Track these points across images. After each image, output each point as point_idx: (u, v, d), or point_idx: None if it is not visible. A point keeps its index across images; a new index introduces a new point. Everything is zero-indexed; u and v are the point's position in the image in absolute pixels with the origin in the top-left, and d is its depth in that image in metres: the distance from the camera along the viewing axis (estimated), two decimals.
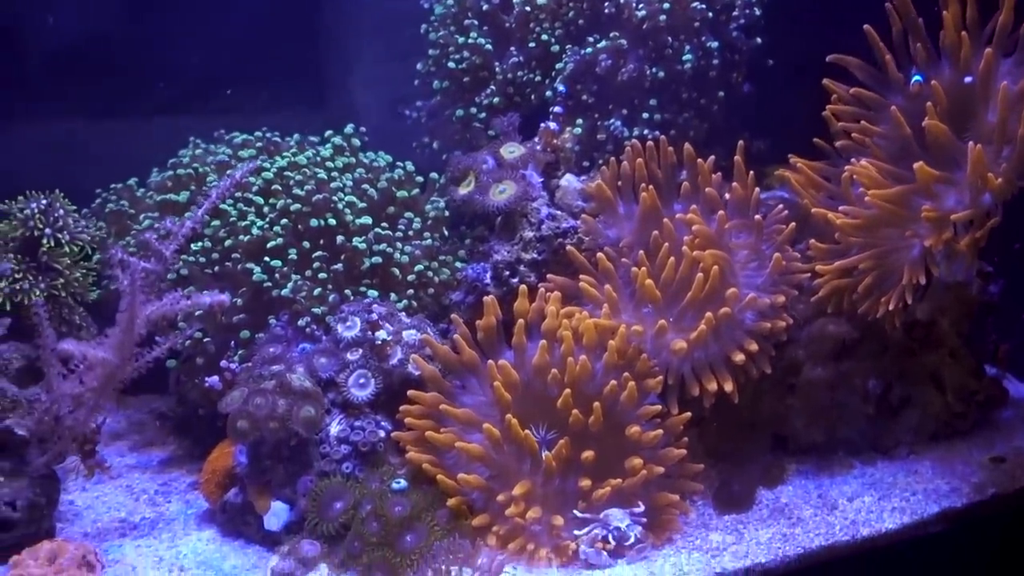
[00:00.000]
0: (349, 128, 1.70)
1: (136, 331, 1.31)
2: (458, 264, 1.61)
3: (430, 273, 1.57)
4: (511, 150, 1.55)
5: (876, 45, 1.55)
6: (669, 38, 1.57)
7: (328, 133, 1.70)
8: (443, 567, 1.35)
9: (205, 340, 1.55)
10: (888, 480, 1.69)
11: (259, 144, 1.72)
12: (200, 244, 1.55)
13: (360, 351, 1.48)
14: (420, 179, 1.67)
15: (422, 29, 1.75)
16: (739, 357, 1.50)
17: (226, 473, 1.52)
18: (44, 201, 1.45)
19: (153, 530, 1.55)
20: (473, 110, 1.65)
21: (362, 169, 1.64)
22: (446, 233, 1.65)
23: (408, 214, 1.61)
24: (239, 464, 1.49)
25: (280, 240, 1.52)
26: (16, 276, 1.42)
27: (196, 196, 1.60)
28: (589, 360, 1.46)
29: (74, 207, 1.52)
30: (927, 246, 1.43)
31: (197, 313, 1.48)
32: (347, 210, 1.54)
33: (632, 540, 1.47)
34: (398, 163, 1.69)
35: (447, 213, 1.64)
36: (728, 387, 1.51)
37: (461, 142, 1.71)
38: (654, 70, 1.59)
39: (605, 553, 1.46)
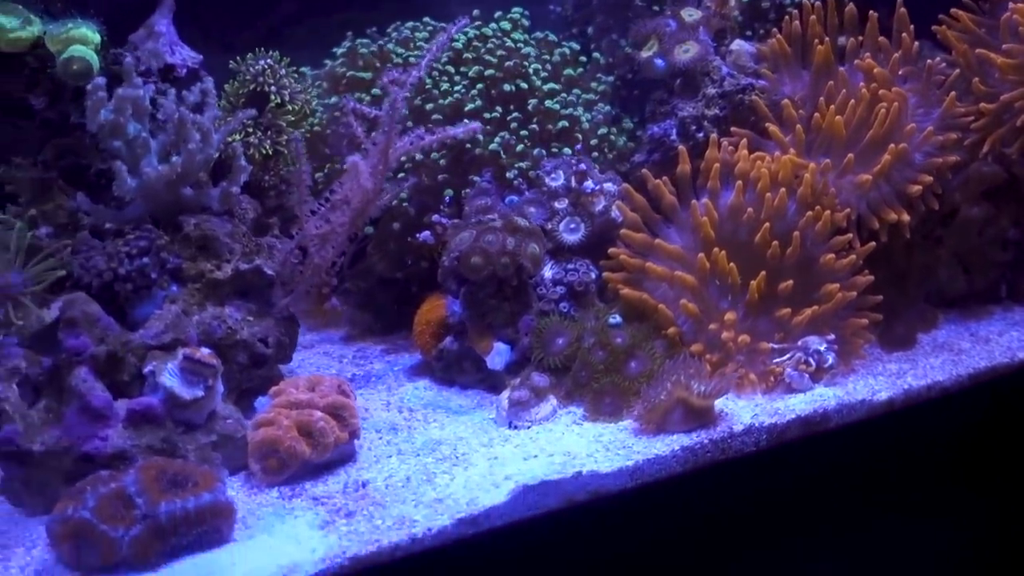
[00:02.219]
0: (516, 10, 1.79)
1: (390, 163, 1.38)
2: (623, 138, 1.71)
3: (612, 137, 1.67)
4: (690, 14, 1.66)
5: None
6: None
7: (498, 14, 1.78)
8: (681, 378, 1.44)
9: (404, 203, 1.63)
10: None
11: (429, 28, 1.81)
12: None
13: (566, 200, 1.57)
14: (584, 59, 1.77)
15: None
16: (915, 189, 1.62)
17: (440, 323, 1.59)
18: (269, 60, 1.51)
19: (368, 383, 1.62)
20: None
21: (533, 45, 1.73)
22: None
23: (575, 90, 1.70)
24: (452, 314, 1.57)
25: (478, 103, 1.61)
26: (248, 130, 1.48)
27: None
28: (787, 201, 1.57)
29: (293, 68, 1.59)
30: None
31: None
32: (534, 76, 1.63)
33: (829, 363, 1.59)
34: (563, 42, 1.78)
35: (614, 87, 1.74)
36: (905, 218, 1.63)
37: (614, 25, 1.81)
38: None
39: (807, 376, 1.58)
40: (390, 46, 1.73)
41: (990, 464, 1.62)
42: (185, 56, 1.51)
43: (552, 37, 1.79)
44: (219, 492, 1.24)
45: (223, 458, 1.36)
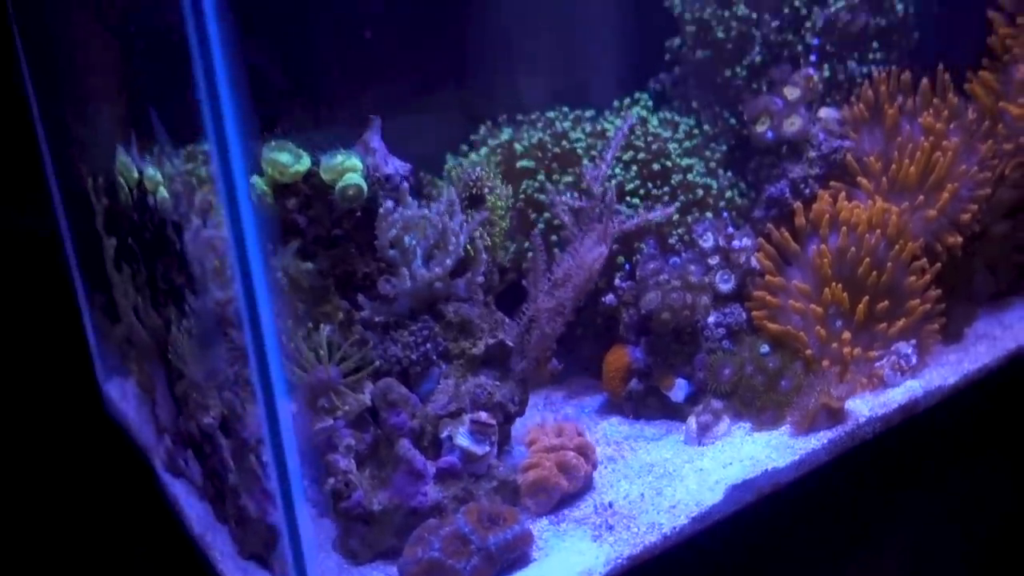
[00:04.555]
0: (643, 97, 2.13)
1: (606, 242, 1.74)
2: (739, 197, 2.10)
3: (738, 200, 2.06)
4: (792, 92, 2.05)
5: None
6: None
7: (627, 101, 2.13)
8: (821, 388, 1.88)
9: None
10: None
11: (573, 116, 2.13)
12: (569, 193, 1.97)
13: (718, 257, 1.95)
14: (699, 132, 2.14)
15: (676, 12, 2.19)
16: (966, 217, 2.08)
17: (625, 369, 1.95)
18: (481, 170, 1.81)
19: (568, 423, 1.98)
20: (738, 69, 2.12)
21: (665, 126, 2.09)
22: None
23: (698, 159, 2.08)
24: (636, 360, 1.94)
25: (636, 183, 1.96)
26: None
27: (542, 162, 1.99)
28: (879, 238, 2.01)
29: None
30: None
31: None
32: (674, 155, 2.00)
33: (913, 362, 2.06)
34: (681, 119, 2.15)
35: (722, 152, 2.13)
36: (959, 240, 2.09)
37: (716, 99, 2.16)
38: (876, 20, 2.12)
39: (899, 374, 2.04)
40: (545, 136, 2.04)
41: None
42: (397, 166, 1.79)
43: (675, 117, 2.15)
44: (524, 523, 1.61)
45: (500, 498, 1.71)
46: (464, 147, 2.15)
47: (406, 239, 1.67)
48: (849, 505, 1.87)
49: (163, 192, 1.71)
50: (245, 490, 1.65)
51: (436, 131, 2.22)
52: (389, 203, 1.65)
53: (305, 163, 1.68)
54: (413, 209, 1.66)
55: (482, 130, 2.15)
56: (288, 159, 1.67)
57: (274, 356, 1.30)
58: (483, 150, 2.08)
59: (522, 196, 1.98)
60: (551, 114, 2.11)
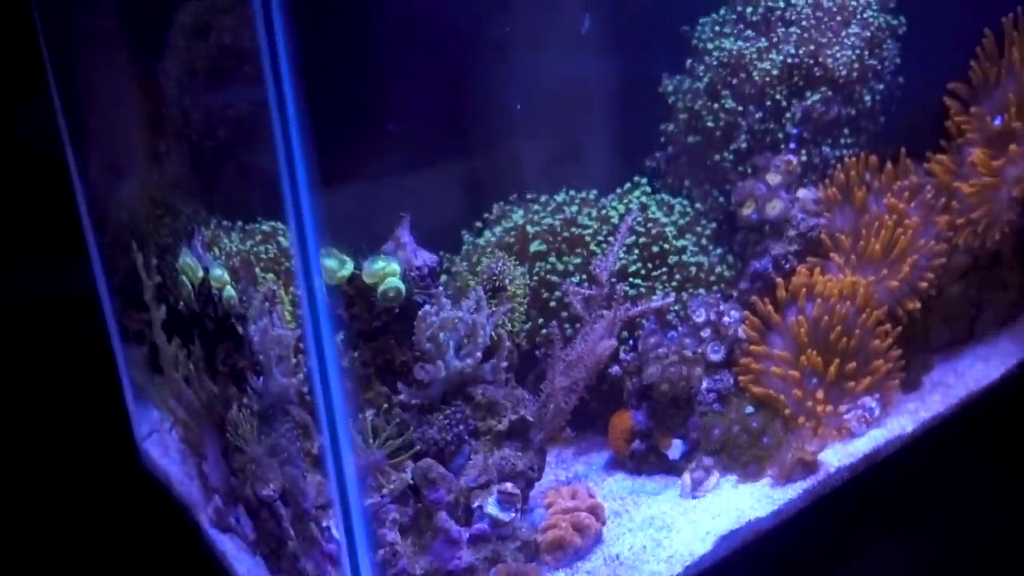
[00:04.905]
0: (643, 181, 2.36)
1: (614, 333, 1.99)
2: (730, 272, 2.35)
3: (726, 273, 2.31)
4: (773, 178, 2.29)
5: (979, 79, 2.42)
6: (856, 87, 2.35)
7: (627, 186, 2.37)
8: (798, 444, 2.15)
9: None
10: (984, 353, 2.64)
11: (580, 199, 2.35)
12: (578, 278, 2.20)
13: (709, 330, 2.21)
14: (691, 210, 2.38)
15: (670, 100, 2.42)
16: (923, 285, 2.36)
17: (628, 431, 2.21)
18: (503, 263, 2.04)
19: (581, 482, 2.24)
20: (726, 154, 2.35)
21: (662, 209, 2.33)
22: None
23: (689, 235, 2.32)
24: (638, 423, 2.20)
25: (638, 265, 2.20)
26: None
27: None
28: (848, 307, 2.28)
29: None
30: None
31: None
32: (670, 237, 2.24)
33: (876, 413, 2.34)
34: (676, 199, 2.38)
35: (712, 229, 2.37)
36: (918, 305, 2.37)
37: (706, 178, 2.40)
38: (847, 110, 2.37)
39: (864, 425, 2.32)
40: (555, 222, 2.27)
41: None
42: (425, 258, 2.00)
43: (670, 199, 2.38)
44: None
45: (523, 556, 1.97)
46: (478, 223, 2.37)
47: (441, 336, 1.90)
48: (823, 548, 2.15)
49: (230, 291, 1.92)
50: (303, 553, 1.89)
51: (448, 204, 2.44)
52: (427, 307, 1.87)
53: (349, 268, 1.90)
54: (447, 311, 1.88)
55: (495, 209, 2.37)
56: (335, 264, 1.88)
57: (343, 431, 1.53)
58: (497, 229, 2.30)
59: (536, 277, 2.20)
60: (559, 197, 2.33)
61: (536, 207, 2.33)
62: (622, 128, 2.49)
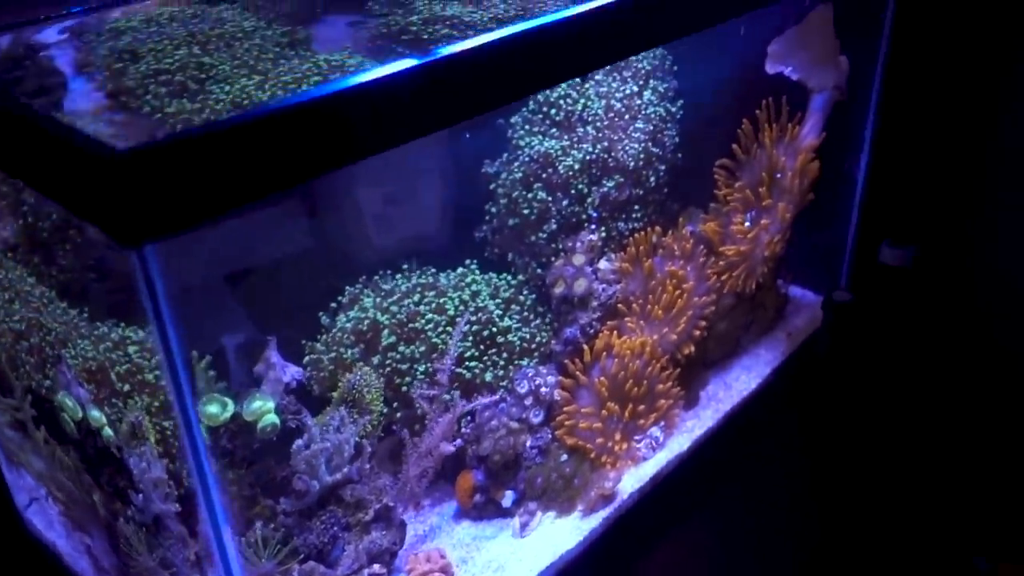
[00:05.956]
0: (474, 270, 2.67)
1: (452, 430, 2.37)
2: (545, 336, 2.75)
3: (544, 338, 2.70)
4: (578, 259, 2.66)
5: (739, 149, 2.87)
6: (643, 171, 2.74)
7: (460, 270, 2.67)
8: (601, 481, 2.66)
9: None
10: (749, 364, 3.25)
11: (421, 285, 2.63)
12: (423, 366, 2.52)
13: (532, 398, 2.62)
14: (514, 282, 2.72)
15: (491, 187, 2.71)
16: (697, 333, 2.88)
17: (471, 487, 2.62)
18: (361, 375, 2.32)
19: (438, 533, 2.62)
20: (540, 235, 2.70)
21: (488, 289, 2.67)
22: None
23: (514, 306, 2.68)
24: (479, 481, 2.61)
25: (473, 351, 2.55)
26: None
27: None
28: (639, 361, 2.76)
29: None
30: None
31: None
32: (497, 319, 2.59)
33: (661, 439, 2.88)
34: (502, 275, 2.72)
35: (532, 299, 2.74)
36: (692, 349, 2.89)
37: (526, 252, 2.75)
38: (636, 191, 2.76)
39: (652, 449, 2.86)
40: (401, 315, 2.55)
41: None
42: (293, 373, 2.27)
43: (495, 278, 2.71)
44: None
45: None
46: (333, 305, 2.62)
47: (312, 460, 2.20)
48: (619, 556, 2.71)
49: (108, 432, 2.11)
50: None
51: (298, 289, 2.66)
52: (299, 442, 2.16)
53: (230, 409, 2.13)
54: (317, 442, 2.18)
55: (348, 293, 2.62)
56: (217, 409, 2.11)
57: (232, 550, 1.84)
58: (351, 313, 2.56)
59: (388, 366, 2.51)
60: (403, 287, 2.61)
61: (383, 292, 2.60)
62: (454, 204, 2.78)
